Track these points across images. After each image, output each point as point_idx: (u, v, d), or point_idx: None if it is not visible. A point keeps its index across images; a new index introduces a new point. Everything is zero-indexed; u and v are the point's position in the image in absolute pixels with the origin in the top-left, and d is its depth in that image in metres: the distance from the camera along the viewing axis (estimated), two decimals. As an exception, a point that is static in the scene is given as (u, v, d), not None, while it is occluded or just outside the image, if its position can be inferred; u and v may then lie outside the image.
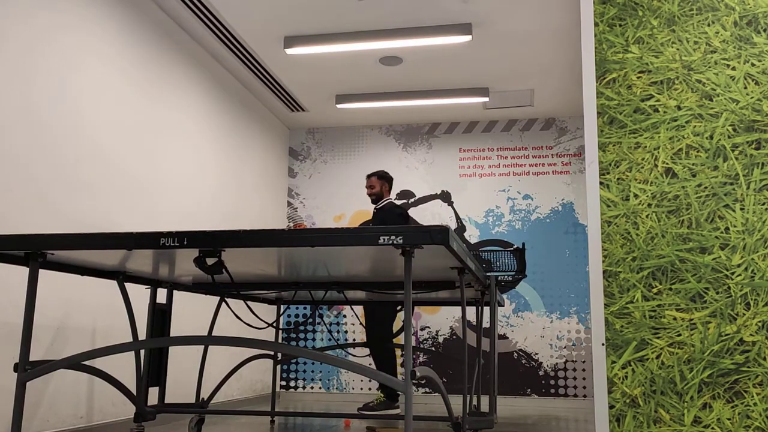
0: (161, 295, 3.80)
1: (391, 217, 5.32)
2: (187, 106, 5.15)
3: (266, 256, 2.64)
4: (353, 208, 7.10)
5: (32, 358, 2.99)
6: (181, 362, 4.79)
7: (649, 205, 2.26)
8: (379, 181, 5.49)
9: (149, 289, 3.60)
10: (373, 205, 5.53)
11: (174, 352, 4.63)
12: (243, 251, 2.48)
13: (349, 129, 7.26)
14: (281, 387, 6.87)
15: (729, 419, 2.11)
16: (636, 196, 2.28)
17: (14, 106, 3.39)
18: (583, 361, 6.42)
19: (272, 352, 4.59)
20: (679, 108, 2.30)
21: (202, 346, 4.44)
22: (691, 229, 2.23)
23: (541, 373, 6.46)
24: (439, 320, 6.73)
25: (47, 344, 3.59)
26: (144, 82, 4.56)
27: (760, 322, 2.14)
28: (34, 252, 2.66)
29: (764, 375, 2.11)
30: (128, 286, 3.34)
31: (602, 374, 2.20)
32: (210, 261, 2.52)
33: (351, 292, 4.03)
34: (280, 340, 5.74)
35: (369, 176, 5.55)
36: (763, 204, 2.20)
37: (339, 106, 6.42)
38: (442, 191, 6.97)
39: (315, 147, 7.30)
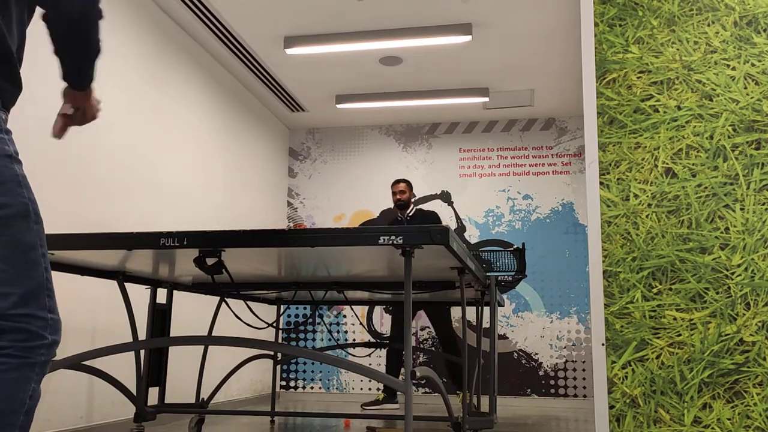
0: (161, 295, 3.80)
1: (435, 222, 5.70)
2: (187, 107, 5.15)
3: (266, 256, 2.64)
4: (353, 208, 7.10)
5: (32, 358, 2.98)
6: (181, 362, 4.79)
7: (649, 205, 2.27)
8: (409, 188, 5.75)
9: (149, 289, 3.60)
10: (398, 209, 5.74)
11: (174, 352, 4.63)
12: (243, 251, 2.48)
13: (349, 129, 7.26)
14: (281, 387, 6.87)
15: (729, 419, 2.11)
16: (636, 196, 2.28)
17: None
18: (583, 361, 6.42)
19: (272, 352, 4.59)
20: (679, 108, 2.30)
21: (202, 346, 4.44)
22: (691, 229, 2.23)
23: (541, 373, 6.46)
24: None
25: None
26: (143, 82, 4.56)
27: (760, 322, 2.14)
28: (34, 252, 2.65)
29: (764, 375, 2.11)
30: (128, 286, 3.34)
31: (602, 374, 2.20)
32: (210, 261, 2.53)
33: (351, 292, 4.03)
34: (280, 340, 5.74)
35: (399, 181, 5.75)
36: (763, 204, 2.20)
37: (339, 106, 6.42)
38: (442, 191, 6.97)
39: (315, 147, 7.30)
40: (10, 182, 1.35)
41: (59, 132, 1.68)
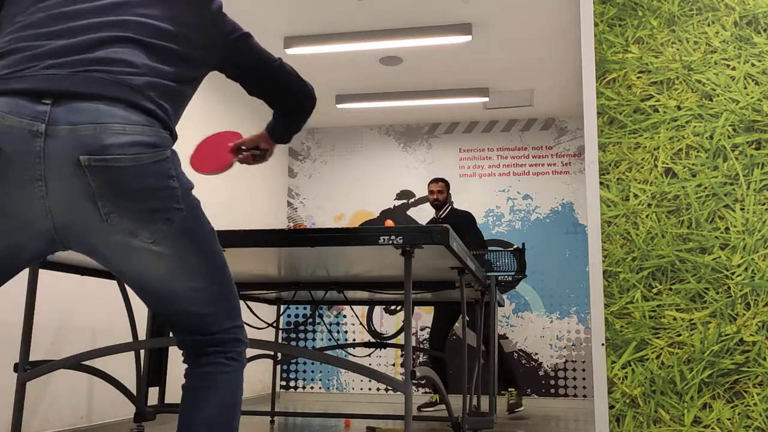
0: (161, 295, 3.80)
1: (468, 226, 5.54)
2: (186, 106, 5.14)
3: (266, 256, 2.64)
4: (353, 208, 7.10)
5: (32, 358, 2.99)
6: (181, 362, 4.78)
7: (649, 205, 2.27)
8: (446, 188, 5.69)
9: (149, 289, 3.60)
10: (435, 209, 5.71)
11: (174, 352, 4.63)
12: (243, 251, 2.48)
13: (349, 129, 7.26)
14: (281, 387, 6.87)
15: (729, 419, 2.11)
16: (636, 196, 2.28)
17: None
18: (583, 361, 6.42)
19: (272, 352, 4.59)
20: (679, 108, 2.30)
21: (202, 346, 4.43)
22: (691, 229, 2.23)
23: (541, 373, 6.46)
24: (439, 320, 6.73)
25: (47, 344, 3.59)
26: (144, 82, 4.56)
27: (760, 322, 2.14)
28: (34, 252, 2.65)
29: (764, 375, 2.11)
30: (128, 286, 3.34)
31: (602, 374, 2.20)
32: (210, 261, 2.52)
33: (351, 292, 4.03)
34: (280, 340, 5.74)
35: (437, 181, 5.69)
36: (763, 204, 2.20)
37: (339, 106, 6.42)
38: (442, 191, 6.96)
39: (315, 147, 7.30)
40: (202, 213, 1.55)
41: (241, 162, 2.08)
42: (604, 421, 2.17)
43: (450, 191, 5.80)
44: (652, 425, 2.15)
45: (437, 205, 5.66)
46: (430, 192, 5.67)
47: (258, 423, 4.65)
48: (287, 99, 1.92)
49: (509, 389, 5.48)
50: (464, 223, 5.53)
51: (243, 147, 2.07)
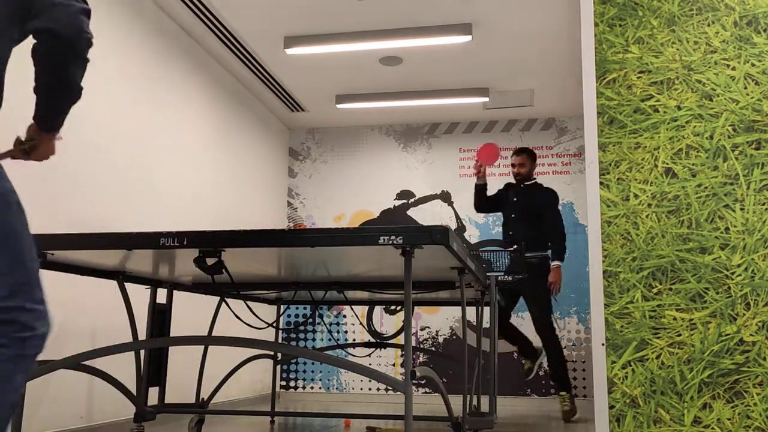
0: (161, 295, 3.80)
1: (551, 207, 5.27)
2: (187, 106, 5.15)
3: (266, 256, 2.64)
4: (353, 208, 7.10)
5: (32, 358, 2.98)
6: (181, 362, 4.79)
7: (649, 205, 2.27)
8: (530, 160, 5.34)
9: (149, 289, 3.60)
10: (518, 181, 5.38)
11: (174, 352, 4.63)
12: (243, 251, 2.48)
13: (349, 129, 7.26)
14: (281, 387, 6.87)
15: (729, 419, 2.11)
16: (636, 196, 2.28)
17: (10, 105, 3.39)
18: (583, 361, 6.41)
19: (272, 352, 4.59)
20: (679, 108, 2.30)
21: (202, 347, 4.44)
22: (691, 229, 2.23)
23: (541, 373, 6.45)
24: (439, 320, 6.73)
25: (47, 344, 3.58)
26: (143, 82, 4.56)
27: (760, 322, 2.14)
28: (34, 252, 2.65)
29: (764, 375, 2.11)
30: (128, 286, 3.34)
31: (602, 374, 2.20)
32: (210, 261, 2.53)
33: (351, 292, 4.03)
34: (280, 340, 5.74)
35: (518, 153, 5.36)
36: (763, 204, 2.20)
37: (339, 106, 6.42)
38: (442, 191, 6.96)
39: (315, 147, 7.30)
40: None
41: (10, 157, 1.68)
42: (604, 421, 2.17)
43: (535, 163, 5.42)
44: (652, 425, 2.15)
45: (519, 180, 5.36)
46: (512, 165, 5.38)
47: (258, 423, 4.65)
48: (37, 37, 1.52)
49: (561, 393, 5.12)
50: (547, 201, 5.27)
51: (21, 139, 1.70)
